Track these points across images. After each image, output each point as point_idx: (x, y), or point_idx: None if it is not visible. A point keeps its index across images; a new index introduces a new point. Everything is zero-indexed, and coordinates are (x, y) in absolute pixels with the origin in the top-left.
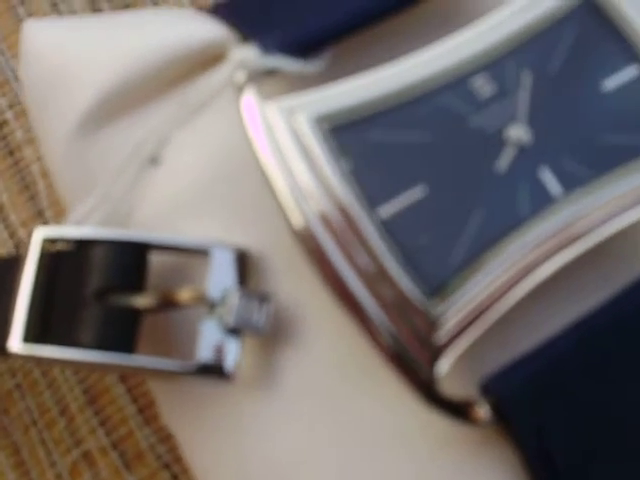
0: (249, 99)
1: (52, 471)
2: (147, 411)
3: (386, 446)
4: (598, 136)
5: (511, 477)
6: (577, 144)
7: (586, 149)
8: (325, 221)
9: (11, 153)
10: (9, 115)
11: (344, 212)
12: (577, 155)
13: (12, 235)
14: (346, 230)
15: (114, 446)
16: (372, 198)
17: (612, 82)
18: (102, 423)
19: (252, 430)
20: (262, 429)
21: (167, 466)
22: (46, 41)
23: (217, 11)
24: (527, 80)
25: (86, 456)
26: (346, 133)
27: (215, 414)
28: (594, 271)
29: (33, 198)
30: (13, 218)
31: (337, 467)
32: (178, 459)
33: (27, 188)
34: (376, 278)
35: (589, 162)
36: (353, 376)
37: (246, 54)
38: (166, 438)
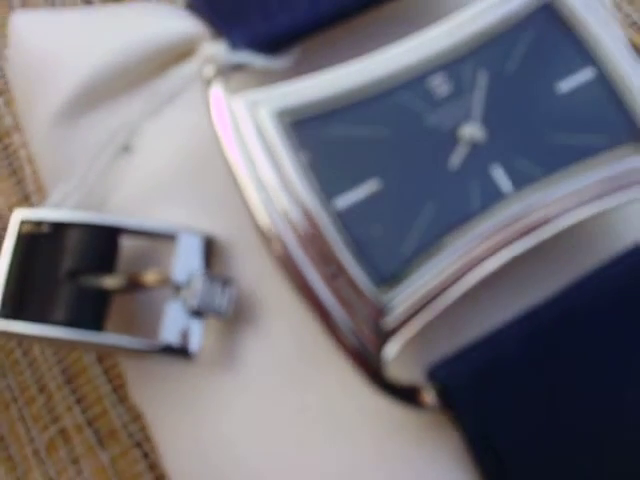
0: (217, 92)
1: (30, 447)
2: (121, 390)
3: (338, 428)
4: (550, 136)
5: (456, 463)
6: (529, 143)
7: (538, 148)
8: (284, 213)
9: (0, 139)
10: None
11: (302, 204)
12: (529, 154)
13: None
14: (304, 222)
15: (89, 423)
16: (329, 190)
17: (567, 84)
18: (78, 401)
19: (211, 408)
20: (220, 407)
21: (139, 444)
22: (33, 32)
23: (193, 6)
24: (483, 80)
25: (62, 432)
26: (306, 127)
27: (177, 391)
28: (543, 265)
29: (20, 183)
30: (0, 201)
31: (292, 446)
32: (149, 438)
33: (15, 173)
34: (330, 267)
35: (540, 161)
36: (309, 359)
37: (214, 49)
38: (138, 417)
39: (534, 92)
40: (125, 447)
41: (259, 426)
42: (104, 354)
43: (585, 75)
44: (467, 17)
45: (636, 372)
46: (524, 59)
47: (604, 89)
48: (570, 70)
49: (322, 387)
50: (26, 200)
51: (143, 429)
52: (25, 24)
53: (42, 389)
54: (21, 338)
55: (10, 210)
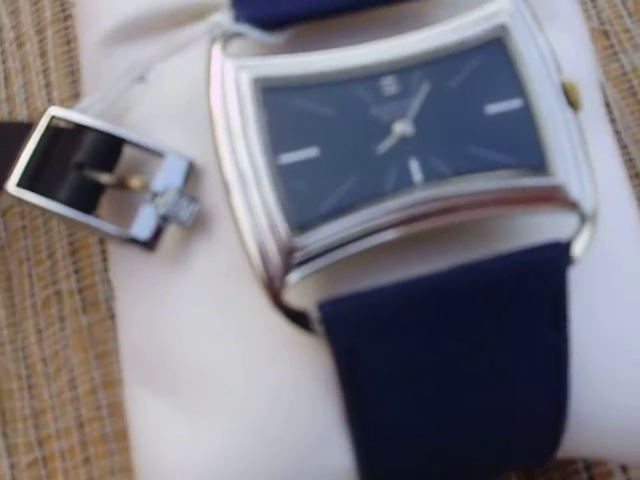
0: (216, 52)
1: (30, 300)
2: None
3: (250, 333)
4: (467, 146)
5: (323, 386)
6: (447, 147)
7: (453, 153)
8: (238, 154)
9: (68, 42)
10: (75, 11)
11: (253, 151)
12: (444, 156)
13: None
14: (250, 166)
15: (79, 291)
16: (276, 146)
17: (495, 107)
18: (76, 271)
19: (164, 298)
20: (171, 299)
21: (112, 317)
22: None
23: None
24: (425, 89)
25: (57, 294)
26: (273, 94)
27: (139, 278)
28: (440, 245)
29: (74, 82)
30: (55, 94)
31: (221, 349)
32: None
33: (72, 73)
34: (260, 208)
35: (452, 163)
36: (241, 276)
37: (221, 18)
38: None
39: (465, 108)
40: (102, 317)
41: (198, 321)
42: (102, 236)
43: (512, 104)
44: (430, 34)
45: (485, 356)
46: (465, 79)
47: (525, 119)
48: (501, 97)
49: (244, 301)
50: (76, 97)
51: None
52: None
53: (51, 255)
54: (31, 207)
55: (61, 104)
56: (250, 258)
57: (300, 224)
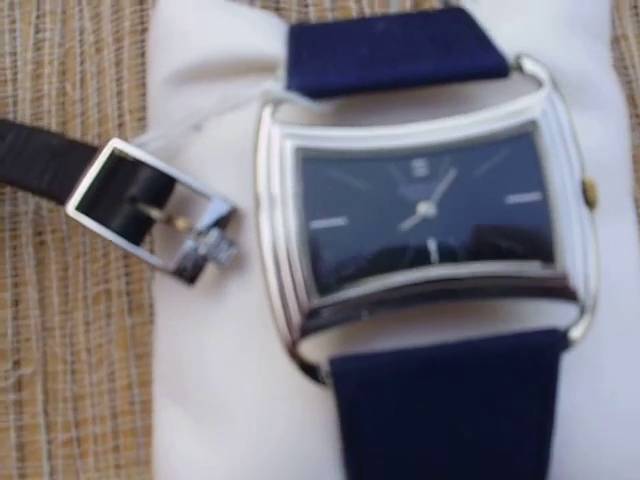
0: (266, 115)
1: (82, 293)
2: None
3: (267, 376)
4: (484, 233)
5: (327, 428)
6: (465, 232)
7: (470, 238)
8: (273, 217)
9: (142, 55)
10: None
11: (286, 214)
12: (461, 240)
13: (120, 116)
14: (282, 228)
15: (127, 293)
16: (309, 212)
17: (515, 198)
18: (127, 274)
19: (195, 329)
20: (201, 331)
21: (153, 322)
22: (177, 3)
23: (289, 37)
24: (452, 174)
25: (107, 292)
26: (312, 164)
27: (177, 307)
28: (443, 319)
29: (144, 95)
30: (125, 104)
31: (241, 383)
32: None
33: (142, 86)
34: (287, 267)
35: (468, 248)
36: (267, 320)
37: (273, 85)
38: None
39: (487, 196)
40: (145, 320)
41: (224, 355)
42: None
43: (532, 197)
44: (464, 122)
45: (473, 425)
46: (491, 169)
47: (541, 213)
48: (523, 189)
49: (269, 341)
50: (143, 109)
51: None
52: None
53: (105, 254)
54: (85, 228)
55: (130, 113)
56: (273, 311)
57: (321, 287)
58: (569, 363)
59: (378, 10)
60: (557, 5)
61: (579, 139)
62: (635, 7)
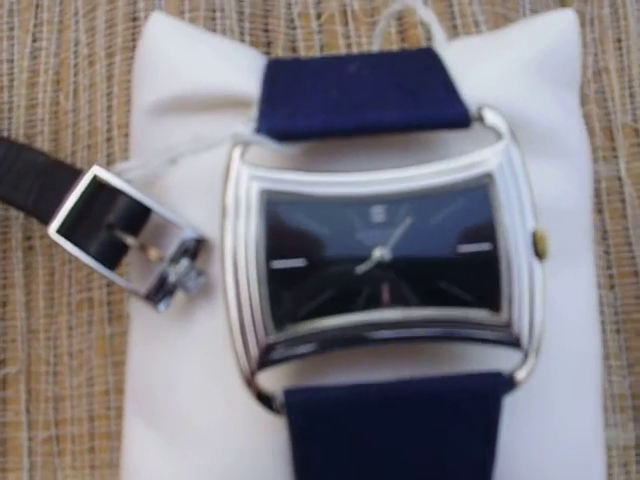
0: (235, 156)
1: (67, 299)
2: None
3: (229, 399)
4: (435, 280)
5: (280, 452)
6: (418, 278)
7: (421, 284)
8: (239, 253)
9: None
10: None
11: (248, 252)
12: (413, 285)
13: (109, 131)
14: (244, 265)
15: (108, 303)
16: (270, 252)
17: (466, 248)
18: (108, 284)
19: (164, 351)
20: (170, 354)
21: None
22: (164, 33)
23: (269, 68)
24: (408, 222)
25: (90, 300)
26: (276, 206)
27: (148, 328)
28: (393, 358)
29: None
30: (114, 119)
31: (204, 403)
32: None
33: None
34: (247, 303)
35: (418, 293)
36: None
37: (243, 129)
38: None
39: (440, 244)
40: (123, 330)
41: (189, 376)
42: None
43: (483, 247)
44: (424, 172)
45: (418, 456)
46: (445, 218)
47: (490, 263)
48: (474, 239)
49: (232, 367)
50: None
51: None
52: (161, 25)
53: None
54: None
55: (118, 129)
56: (233, 344)
57: (278, 323)
58: (518, 399)
59: (363, 33)
60: (528, 53)
61: (541, 186)
62: (618, 41)
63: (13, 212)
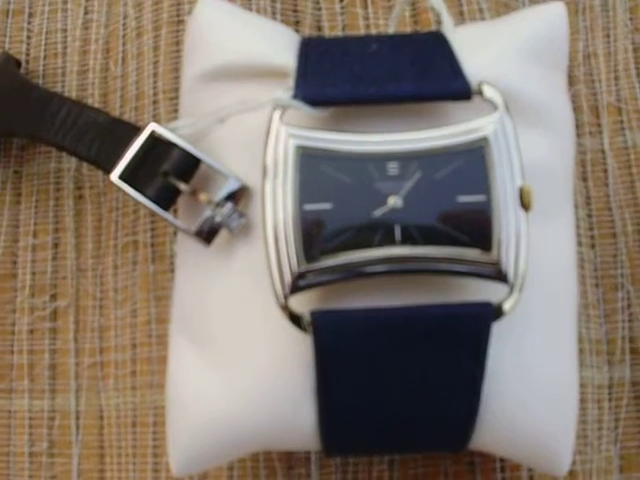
0: (275, 117)
1: (113, 241)
2: None
3: (262, 321)
4: (438, 223)
5: (306, 367)
6: (424, 221)
7: (427, 227)
8: (275, 199)
9: (177, 43)
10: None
11: (286, 197)
12: (420, 227)
13: (155, 95)
14: (282, 208)
15: (152, 245)
16: (303, 197)
17: (465, 198)
18: (152, 229)
19: (205, 280)
20: (212, 283)
21: (172, 271)
22: (213, 10)
23: (303, 45)
24: (417, 176)
25: (135, 243)
26: (308, 159)
27: (194, 260)
28: (403, 288)
29: (177, 78)
30: (160, 84)
31: (240, 326)
32: None
33: (176, 70)
34: (283, 239)
35: (424, 234)
36: (266, 278)
37: (282, 95)
38: None
39: (443, 194)
40: (165, 269)
41: (227, 302)
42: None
43: (478, 198)
44: (431, 135)
45: (419, 373)
46: (447, 174)
47: (484, 211)
48: (471, 191)
49: (266, 294)
50: (175, 90)
51: None
52: (210, 4)
53: (135, 211)
54: (126, 194)
55: (163, 93)
56: (270, 272)
57: (308, 256)
58: (499, 330)
59: (381, 16)
60: (522, 39)
61: (527, 152)
62: (606, 29)
63: (65, 164)
